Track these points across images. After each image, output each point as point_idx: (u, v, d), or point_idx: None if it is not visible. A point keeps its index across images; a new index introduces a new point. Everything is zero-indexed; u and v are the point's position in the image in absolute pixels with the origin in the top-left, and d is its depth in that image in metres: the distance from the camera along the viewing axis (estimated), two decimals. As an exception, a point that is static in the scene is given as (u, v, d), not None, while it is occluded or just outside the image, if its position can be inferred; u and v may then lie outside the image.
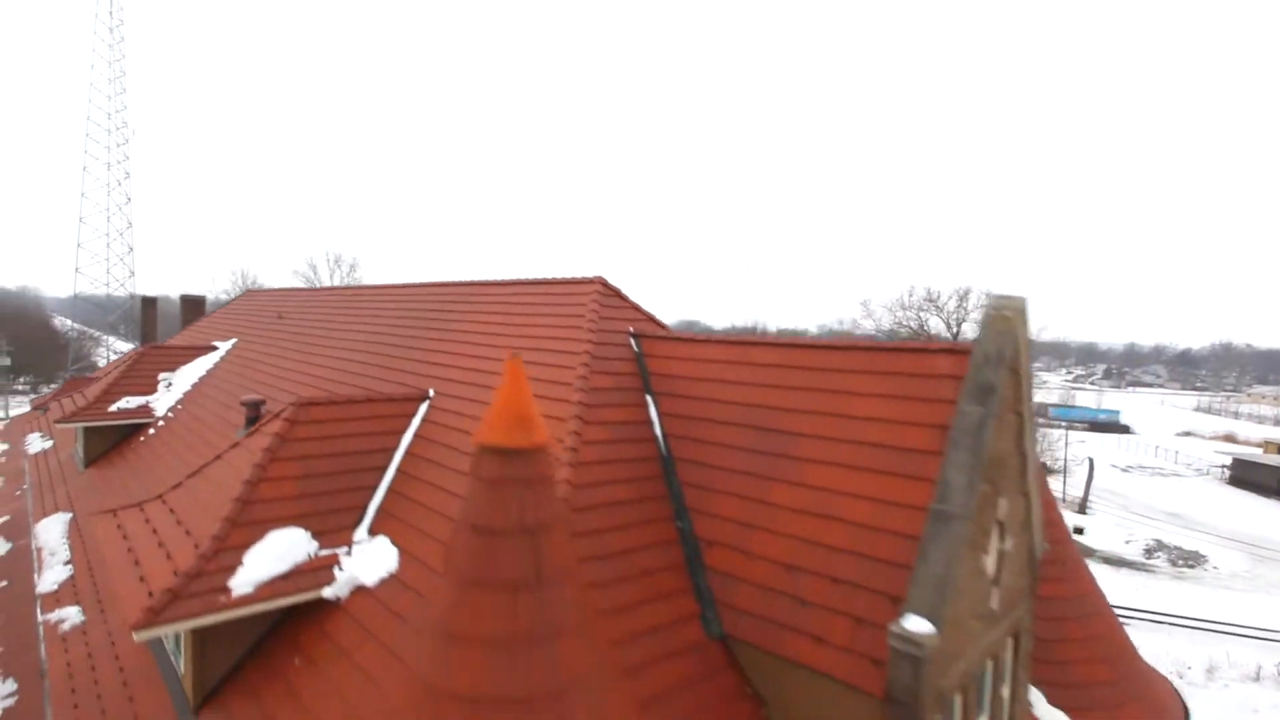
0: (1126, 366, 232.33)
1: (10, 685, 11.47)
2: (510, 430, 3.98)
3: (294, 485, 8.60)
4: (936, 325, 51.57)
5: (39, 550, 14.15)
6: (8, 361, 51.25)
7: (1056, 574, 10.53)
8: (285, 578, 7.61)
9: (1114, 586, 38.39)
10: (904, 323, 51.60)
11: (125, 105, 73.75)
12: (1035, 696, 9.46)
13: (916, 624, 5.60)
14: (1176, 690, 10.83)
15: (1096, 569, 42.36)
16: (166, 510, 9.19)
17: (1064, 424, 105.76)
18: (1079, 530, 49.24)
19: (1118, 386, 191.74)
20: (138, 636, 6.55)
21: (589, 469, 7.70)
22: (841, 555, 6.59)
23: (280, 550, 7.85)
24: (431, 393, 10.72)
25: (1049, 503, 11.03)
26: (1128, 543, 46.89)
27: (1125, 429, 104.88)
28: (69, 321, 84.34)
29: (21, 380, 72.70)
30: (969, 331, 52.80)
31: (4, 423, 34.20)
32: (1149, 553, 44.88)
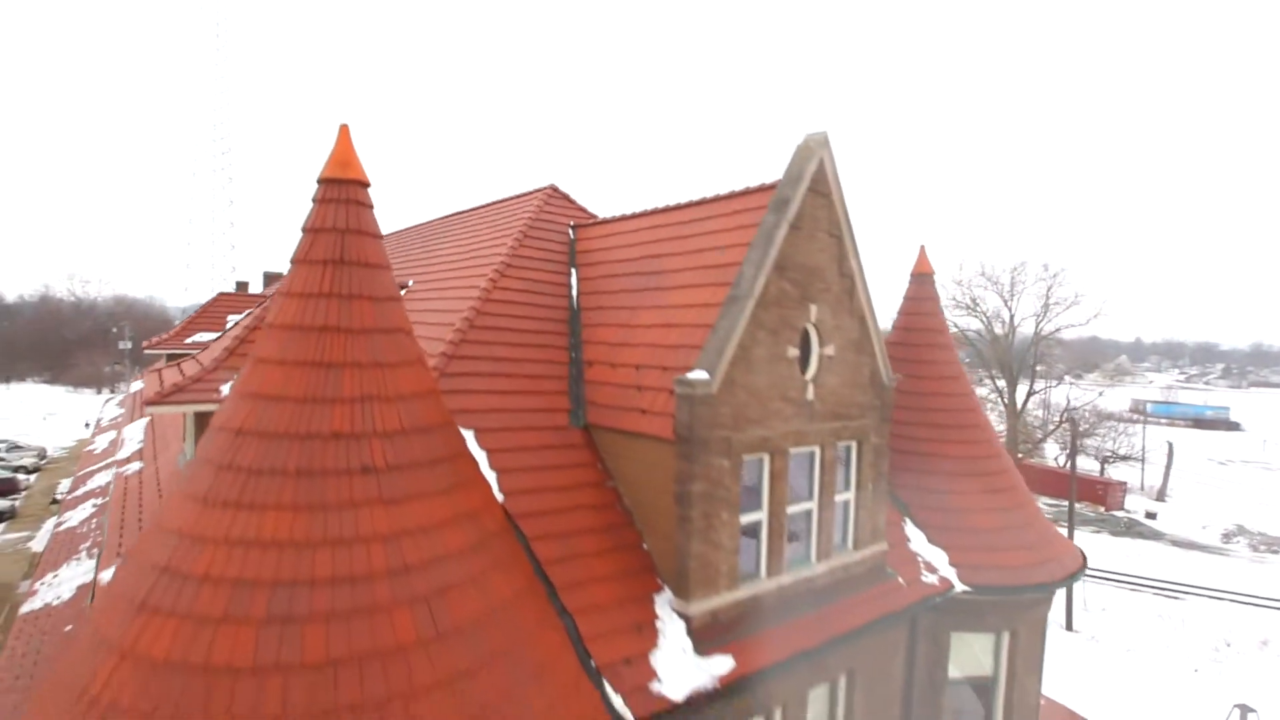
0: (1251, 366, 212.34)
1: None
2: (333, 168, 5.75)
3: (282, 335, 10.76)
4: (994, 302, 49.94)
5: (122, 439, 17.30)
6: (130, 345, 58.77)
7: (969, 437, 11.33)
8: (264, 391, 9.71)
9: (1176, 566, 36.45)
10: (957, 300, 50.22)
11: (228, 118, 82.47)
12: (914, 533, 10.39)
13: (696, 374, 6.95)
14: (1081, 552, 11.32)
15: (1165, 551, 40.20)
16: (195, 362, 11.62)
17: (1163, 420, 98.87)
18: (1151, 515, 46.56)
19: (1237, 386, 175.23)
20: (149, 410, 8.78)
21: (494, 304, 9.39)
22: (672, 350, 7.95)
23: (264, 374, 9.99)
24: (410, 282, 12.76)
25: (953, 377, 11.82)
26: (1204, 528, 43.93)
27: (1234, 426, 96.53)
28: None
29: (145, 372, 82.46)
30: (1026, 308, 50.95)
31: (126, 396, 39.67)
32: (1227, 537, 41.93)
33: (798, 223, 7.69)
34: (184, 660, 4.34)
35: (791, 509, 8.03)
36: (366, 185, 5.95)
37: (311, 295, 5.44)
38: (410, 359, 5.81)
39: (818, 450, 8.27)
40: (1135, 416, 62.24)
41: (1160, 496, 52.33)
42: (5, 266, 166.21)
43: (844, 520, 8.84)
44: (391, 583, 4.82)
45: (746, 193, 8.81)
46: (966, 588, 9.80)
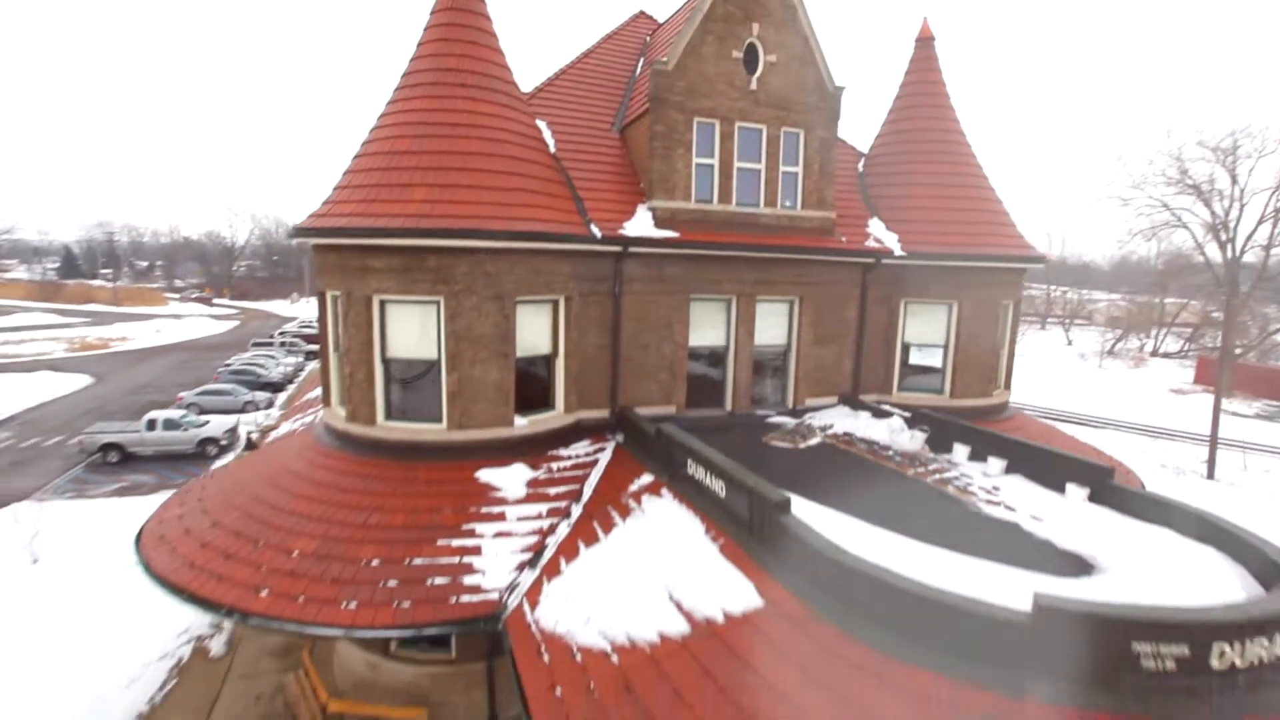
0: None
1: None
2: (453, -55, 11.12)
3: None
4: (1221, 178, 43.22)
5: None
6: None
7: (941, 159, 14.25)
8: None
9: None
10: (1168, 176, 44.34)
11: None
12: (876, 224, 13.72)
13: (662, 59, 11.35)
14: (1036, 250, 13.60)
15: None
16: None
17: None
18: None
19: None
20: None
21: (575, 71, 14.44)
22: (667, 66, 12.32)
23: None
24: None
25: (941, 119, 14.45)
26: None
27: None
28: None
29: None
30: (1259, 180, 43.90)
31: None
32: None
33: (741, -36, 11.55)
34: (373, 184, 10.15)
35: (743, 164, 12.12)
36: (474, -40, 11.21)
37: (440, 24, 10.92)
38: (495, 49, 11.06)
39: (764, 128, 12.16)
40: None
41: None
42: (300, 208, 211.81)
43: (793, 187, 12.62)
44: (479, 142, 10.20)
45: (727, -37, 12.66)
46: (904, 254, 13.02)
